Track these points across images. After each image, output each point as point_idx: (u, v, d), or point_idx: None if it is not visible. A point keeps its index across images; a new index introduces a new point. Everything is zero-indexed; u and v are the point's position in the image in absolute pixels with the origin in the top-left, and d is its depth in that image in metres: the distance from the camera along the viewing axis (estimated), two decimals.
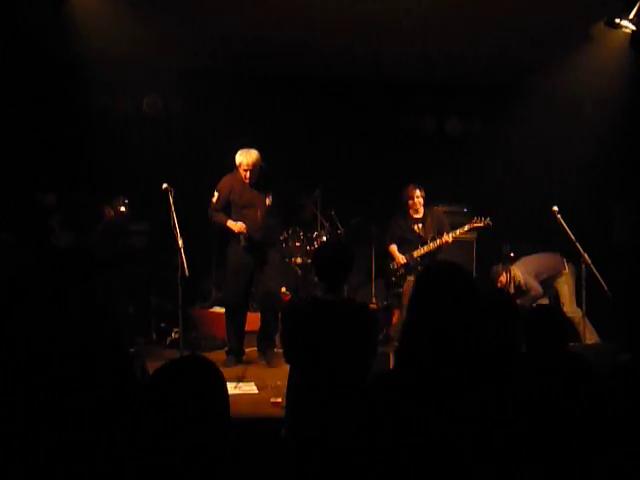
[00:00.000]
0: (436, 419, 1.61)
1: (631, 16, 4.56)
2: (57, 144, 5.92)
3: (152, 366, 4.32)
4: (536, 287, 5.75)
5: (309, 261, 5.92)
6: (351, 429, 1.74)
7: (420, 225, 5.74)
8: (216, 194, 5.12)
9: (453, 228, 5.70)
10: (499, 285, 5.74)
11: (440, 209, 6.23)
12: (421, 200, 5.70)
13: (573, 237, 5.52)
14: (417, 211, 5.74)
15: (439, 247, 5.61)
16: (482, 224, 5.68)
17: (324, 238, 6.04)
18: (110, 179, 5.73)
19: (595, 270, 5.34)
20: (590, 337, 5.57)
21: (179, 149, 6.19)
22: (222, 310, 6.05)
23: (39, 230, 5.52)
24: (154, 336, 5.80)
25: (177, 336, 5.17)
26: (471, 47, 5.54)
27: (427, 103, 6.83)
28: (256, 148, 6.07)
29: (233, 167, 5.08)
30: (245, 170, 4.99)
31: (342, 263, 3.01)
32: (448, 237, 5.57)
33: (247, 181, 5.03)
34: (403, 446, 1.61)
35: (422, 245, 5.66)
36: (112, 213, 5.58)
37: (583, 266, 5.55)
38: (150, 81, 6.27)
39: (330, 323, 2.90)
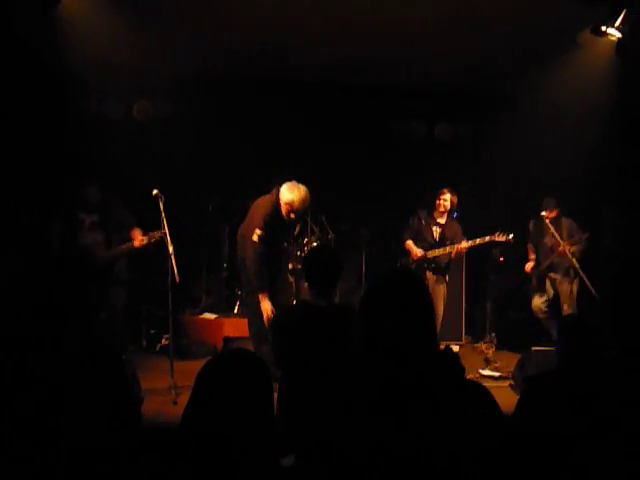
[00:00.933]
0: (400, 422, 1.65)
1: (617, 24, 4.60)
2: (46, 149, 5.89)
3: (142, 373, 4.35)
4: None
5: (299, 267, 5.93)
6: (341, 432, 1.75)
7: (439, 230, 5.78)
8: (259, 232, 4.38)
9: None
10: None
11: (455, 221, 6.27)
12: (447, 204, 5.73)
13: (561, 242, 5.58)
14: (441, 214, 5.79)
15: (453, 253, 5.63)
16: (503, 239, 5.56)
17: (314, 244, 6.05)
18: (100, 185, 5.70)
19: (583, 274, 5.40)
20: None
21: (170, 155, 6.18)
22: (212, 316, 6.06)
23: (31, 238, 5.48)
24: (144, 343, 5.78)
25: (167, 342, 5.16)
26: (460, 54, 5.57)
27: (417, 108, 6.87)
28: (246, 152, 6.08)
29: (274, 193, 4.53)
30: (291, 211, 4.43)
31: (331, 268, 3.02)
32: (463, 245, 5.60)
33: (289, 220, 4.53)
34: (378, 454, 1.64)
35: (438, 247, 5.70)
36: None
37: (572, 271, 5.62)
38: (140, 86, 6.27)
39: (320, 328, 2.91)
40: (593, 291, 5.28)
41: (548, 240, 5.84)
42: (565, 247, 5.56)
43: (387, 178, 6.54)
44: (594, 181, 6.34)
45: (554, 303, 5.90)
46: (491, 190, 6.67)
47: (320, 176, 6.10)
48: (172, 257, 4.67)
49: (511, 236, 5.56)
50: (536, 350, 4.60)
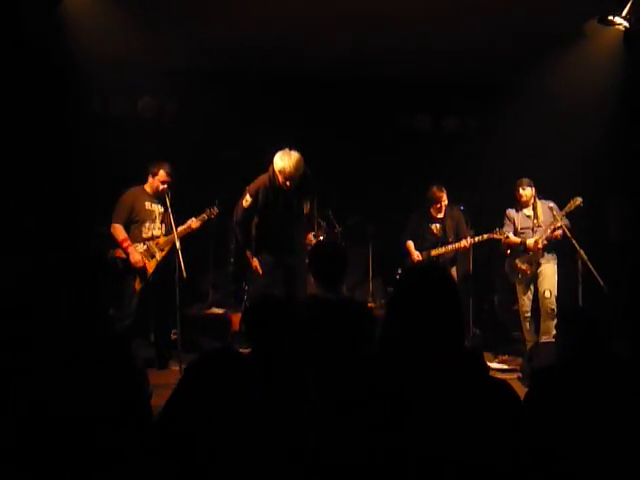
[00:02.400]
0: (417, 419, 1.63)
1: (624, 13, 4.58)
2: (50, 146, 5.90)
3: (150, 367, 4.36)
4: None
5: (306, 261, 5.92)
6: (349, 428, 1.74)
7: (439, 225, 5.79)
8: (249, 198, 4.60)
9: None
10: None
11: (458, 208, 6.24)
12: (446, 202, 5.77)
13: (569, 233, 5.54)
14: (439, 211, 5.80)
15: (457, 250, 5.68)
16: (502, 237, 5.64)
17: (321, 238, 6.04)
18: (105, 181, 5.71)
19: (591, 265, 5.36)
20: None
21: (174, 150, 6.18)
22: (220, 311, 6.07)
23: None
24: (152, 337, 5.79)
25: (175, 337, 5.17)
26: (466, 45, 5.56)
27: (423, 101, 6.84)
28: (251, 148, 6.07)
29: (270, 168, 4.60)
30: (285, 178, 4.48)
31: (337, 262, 3.02)
32: (467, 242, 5.62)
33: (286, 189, 4.56)
34: (390, 445, 1.63)
35: (441, 245, 5.69)
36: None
37: (579, 262, 5.57)
38: (145, 82, 6.27)
39: (330, 322, 2.90)
40: (601, 282, 5.24)
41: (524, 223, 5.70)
42: (559, 223, 5.42)
43: (393, 172, 6.52)
44: (600, 171, 6.30)
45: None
46: (496, 182, 6.63)
47: (326, 170, 6.09)
48: (179, 252, 4.69)
49: (507, 234, 5.60)
50: (544, 342, 4.59)
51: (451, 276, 1.90)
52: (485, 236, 5.69)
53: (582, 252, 5.44)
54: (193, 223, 5.10)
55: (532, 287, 5.69)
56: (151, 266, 5.05)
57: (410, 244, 5.82)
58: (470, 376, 1.69)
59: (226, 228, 6.42)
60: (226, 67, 6.25)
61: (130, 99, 6.53)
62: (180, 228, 5.03)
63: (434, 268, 1.95)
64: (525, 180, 5.67)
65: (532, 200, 5.63)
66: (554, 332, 5.42)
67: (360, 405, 1.73)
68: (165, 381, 4.37)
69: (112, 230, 5.01)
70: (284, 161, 4.48)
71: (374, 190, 6.47)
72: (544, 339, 5.39)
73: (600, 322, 2.48)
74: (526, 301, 5.69)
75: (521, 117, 6.21)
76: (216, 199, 6.33)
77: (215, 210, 5.15)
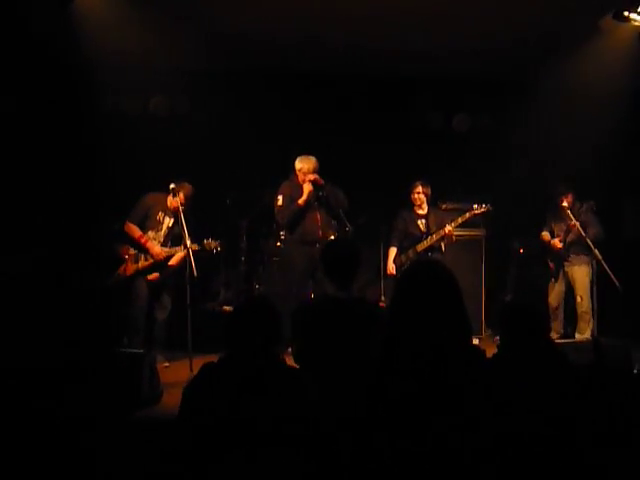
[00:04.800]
0: (423, 416, 1.63)
1: None
2: (63, 146, 5.93)
3: (162, 365, 4.37)
4: None
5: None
6: (359, 426, 1.74)
7: (424, 221, 5.80)
8: (280, 197, 5.32)
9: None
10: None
11: (446, 207, 6.33)
12: (422, 197, 5.79)
13: (583, 232, 5.49)
14: (420, 207, 5.83)
15: (442, 239, 5.66)
16: (483, 210, 5.68)
17: (332, 237, 6.02)
18: (117, 180, 5.73)
19: (605, 265, 5.30)
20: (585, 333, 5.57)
21: (187, 149, 6.19)
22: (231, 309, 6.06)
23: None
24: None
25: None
26: (478, 42, 5.51)
27: (434, 99, 6.80)
28: (263, 147, 6.13)
29: (291, 172, 5.34)
30: (305, 174, 5.24)
31: (350, 261, 3.00)
32: (450, 227, 5.59)
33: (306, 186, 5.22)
34: (397, 442, 1.62)
35: (425, 239, 5.70)
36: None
37: (594, 262, 5.53)
38: (157, 82, 6.28)
39: (342, 322, 2.88)
40: (617, 282, 5.18)
41: (563, 225, 5.73)
42: (577, 224, 5.45)
43: (405, 170, 6.47)
44: (615, 170, 6.23)
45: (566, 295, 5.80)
46: (512, 182, 6.57)
47: (337, 169, 6.08)
48: (190, 251, 4.69)
49: (488, 205, 5.64)
50: (577, 340, 4.57)
51: (451, 272, 1.88)
52: (467, 215, 5.66)
53: (597, 251, 5.39)
54: (179, 255, 5.12)
55: (560, 285, 5.76)
56: (130, 269, 5.16)
57: (391, 251, 5.87)
58: (474, 373, 1.68)
59: (238, 227, 6.44)
60: (237, 66, 6.24)
61: (142, 98, 6.54)
62: (175, 249, 5.15)
63: (435, 266, 1.94)
64: (564, 183, 5.69)
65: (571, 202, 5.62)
66: (588, 332, 5.46)
67: (364, 406, 1.73)
68: (175, 380, 4.38)
69: (126, 228, 5.17)
70: (302, 162, 5.31)
71: (385, 189, 6.43)
72: (577, 337, 5.49)
73: (536, 317, 2.47)
74: (553, 297, 5.79)
75: (534, 114, 6.16)
76: (227, 199, 6.37)
77: (214, 244, 5.07)
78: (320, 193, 5.29)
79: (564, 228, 5.71)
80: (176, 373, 4.71)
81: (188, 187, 5.19)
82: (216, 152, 6.24)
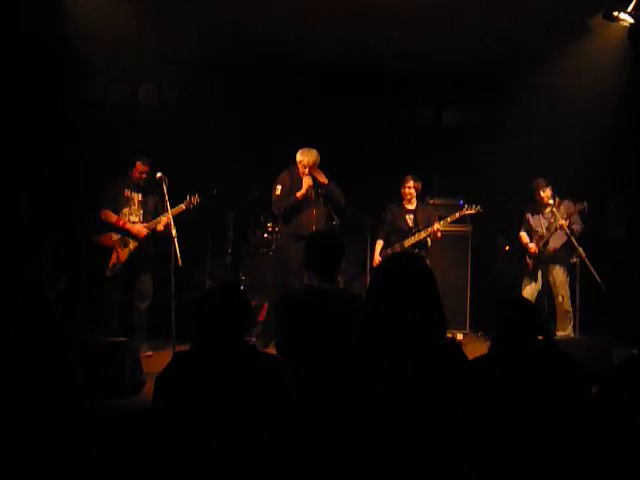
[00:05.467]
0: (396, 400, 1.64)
1: (629, 9, 4.54)
2: (51, 133, 5.88)
3: (145, 354, 4.36)
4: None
5: None
6: (341, 417, 1.74)
7: (412, 216, 5.81)
8: (279, 187, 5.31)
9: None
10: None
11: (434, 203, 6.34)
12: (412, 191, 5.79)
13: (568, 231, 5.53)
14: (409, 202, 5.84)
15: (429, 236, 5.68)
16: (473, 211, 5.74)
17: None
18: (105, 167, 5.69)
19: (589, 264, 5.35)
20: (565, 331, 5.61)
21: (175, 138, 6.16)
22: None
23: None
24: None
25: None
26: (468, 38, 5.52)
27: (424, 95, 6.81)
28: (251, 138, 6.11)
29: (291, 164, 5.32)
30: (305, 167, 5.21)
31: (333, 253, 3.00)
32: (439, 225, 5.61)
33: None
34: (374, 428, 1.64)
35: (413, 234, 5.71)
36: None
37: (577, 260, 5.57)
38: (146, 69, 6.24)
39: (324, 313, 2.88)
40: (600, 281, 5.23)
41: (542, 218, 5.73)
42: (563, 222, 5.46)
43: (393, 165, 6.48)
44: (602, 169, 6.27)
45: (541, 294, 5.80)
46: (500, 178, 6.60)
47: (325, 163, 6.07)
48: (175, 240, 4.67)
49: (479, 207, 5.69)
50: (558, 338, 4.60)
51: (428, 266, 1.89)
52: (457, 214, 5.69)
53: (581, 250, 5.43)
54: (162, 220, 5.15)
55: (535, 283, 5.77)
56: (124, 255, 5.22)
57: (378, 244, 5.88)
58: (447, 365, 1.69)
59: (225, 217, 6.42)
60: (227, 55, 6.21)
61: (131, 86, 6.50)
62: (158, 219, 5.21)
63: (410, 258, 1.95)
64: (543, 180, 5.68)
65: (550, 201, 5.63)
66: (569, 330, 5.49)
67: (339, 398, 1.73)
68: (159, 369, 4.37)
69: (103, 216, 5.26)
70: (304, 155, 5.27)
71: (373, 183, 6.44)
72: (559, 335, 5.51)
73: (531, 314, 2.47)
74: (526, 293, 5.75)
75: (522, 111, 6.18)
76: (214, 189, 6.34)
77: (196, 198, 5.16)
78: (320, 190, 5.28)
79: (542, 223, 5.69)
80: (160, 363, 4.67)
81: (140, 157, 5.29)
82: (204, 142, 6.21)
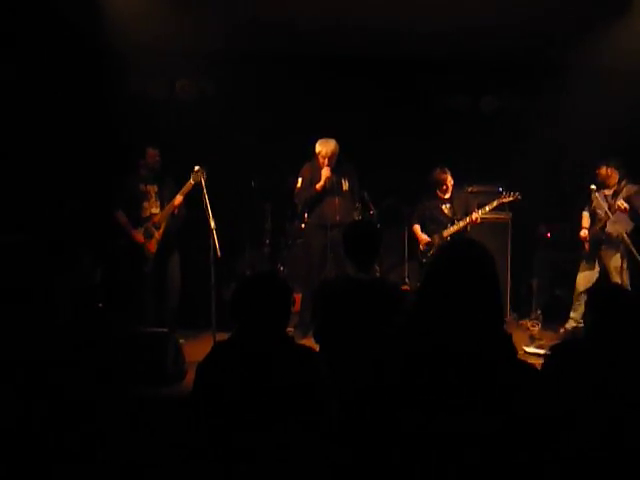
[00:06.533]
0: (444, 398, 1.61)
1: None
2: (91, 129, 6.00)
3: (186, 345, 4.46)
4: None
5: None
6: (377, 407, 1.74)
7: (448, 205, 5.75)
8: (300, 179, 5.44)
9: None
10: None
11: (469, 189, 6.26)
12: (452, 182, 5.72)
13: (611, 215, 5.39)
14: (446, 192, 5.76)
15: (468, 225, 5.61)
16: (511, 198, 5.62)
17: (356, 219, 6.03)
18: (132, 160, 5.79)
19: (634, 250, 5.21)
20: None
21: (213, 132, 6.23)
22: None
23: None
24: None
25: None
26: (505, 21, 5.40)
27: (461, 81, 6.71)
28: (288, 129, 6.13)
29: (312, 155, 5.41)
30: (324, 158, 5.29)
31: (370, 242, 3.01)
32: (477, 214, 5.54)
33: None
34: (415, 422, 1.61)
35: (451, 225, 5.65)
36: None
37: (621, 246, 5.42)
38: (183, 65, 6.31)
39: (361, 302, 2.90)
40: None
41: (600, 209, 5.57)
42: (620, 203, 5.25)
43: (431, 153, 6.42)
44: None
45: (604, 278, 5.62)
46: (540, 165, 6.47)
47: (363, 152, 6.07)
48: (214, 232, 4.74)
49: (517, 193, 5.57)
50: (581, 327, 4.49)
51: (490, 253, 1.79)
52: (495, 203, 5.59)
53: (626, 237, 5.29)
54: (177, 198, 5.27)
55: (592, 269, 5.59)
56: (153, 245, 5.39)
57: (417, 227, 5.83)
58: (499, 359, 1.65)
59: (263, 208, 6.47)
60: (262, 49, 6.23)
61: (168, 81, 6.59)
62: (167, 206, 5.35)
63: (472, 244, 1.82)
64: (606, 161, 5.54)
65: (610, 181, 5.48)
66: None
67: (382, 380, 1.71)
68: (200, 358, 4.46)
69: (116, 218, 5.43)
70: (322, 145, 5.34)
71: (410, 171, 6.38)
72: None
73: (629, 302, 2.40)
74: (581, 279, 5.61)
75: (562, 95, 6.03)
76: (252, 182, 6.40)
77: (201, 170, 5.00)
78: (343, 180, 5.36)
79: (604, 205, 5.44)
80: (201, 351, 4.77)
81: (149, 145, 5.46)
82: (241, 135, 6.26)
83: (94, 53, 5.84)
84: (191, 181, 5.09)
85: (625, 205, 5.28)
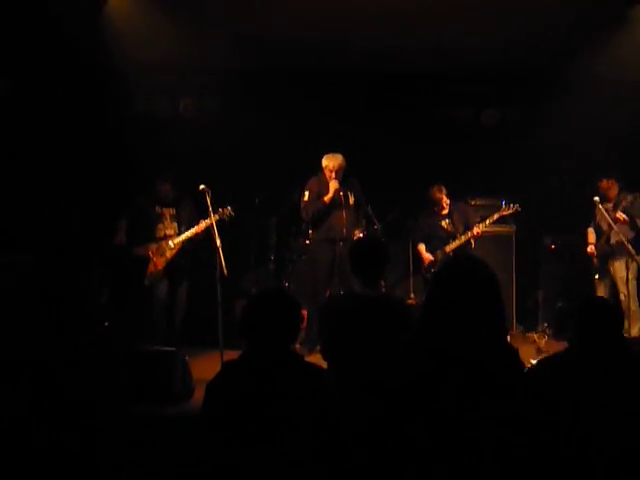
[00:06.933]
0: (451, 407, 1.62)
1: None
2: (94, 149, 6.05)
3: (193, 364, 4.45)
4: None
5: None
6: (387, 423, 1.74)
7: (447, 221, 5.80)
8: (307, 193, 5.46)
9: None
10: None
11: (475, 204, 6.31)
12: (447, 200, 5.79)
13: (615, 227, 5.39)
14: (444, 208, 5.83)
15: (469, 239, 5.64)
16: (511, 211, 5.67)
17: (360, 235, 6.03)
18: (148, 182, 5.83)
19: (634, 253, 5.21)
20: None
21: (216, 150, 6.27)
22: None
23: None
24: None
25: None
26: (506, 33, 5.44)
27: (462, 93, 6.75)
28: (291, 146, 6.17)
29: (317, 170, 5.47)
30: (331, 172, 5.35)
31: (377, 258, 3.02)
32: (478, 228, 5.57)
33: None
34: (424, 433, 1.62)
35: (452, 240, 5.67)
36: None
37: (625, 255, 5.41)
38: (186, 83, 6.37)
39: (368, 318, 2.90)
40: None
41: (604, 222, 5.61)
42: (619, 215, 5.33)
43: (434, 167, 6.45)
44: None
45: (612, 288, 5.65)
46: (543, 177, 6.48)
47: (366, 166, 6.09)
48: (220, 250, 4.75)
49: (517, 205, 5.61)
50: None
51: (491, 269, 1.84)
52: (495, 216, 5.64)
53: (630, 247, 5.30)
54: (201, 226, 5.29)
55: (605, 280, 5.64)
56: (160, 263, 5.46)
57: (421, 247, 5.89)
58: (505, 371, 1.66)
59: (267, 225, 6.49)
60: (266, 65, 6.28)
61: (172, 100, 6.64)
62: (192, 230, 5.37)
63: (474, 261, 1.88)
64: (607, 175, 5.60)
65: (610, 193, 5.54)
66: (637, 330, 5.36)
67: (390, 392, 1.72)
68: (208, 376, 4.45)
69: (117, 226, 5.57)
70: (329, 160, 5.41)
71: (413, 185, 6.41)
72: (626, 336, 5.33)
73: (611, 314, 2.40)
74: (600, 292, 5.64)
75: (563, 107, 6.05)
76: (256, 198, 6.42)
77: (228, 210, 5.22)
78: (349, 193, 5.41)
79: (607, 217, 5.47)
80: (208, 369, 4.77)
81: (162, 175, 5.58)
82: (244, 152, 6.30)
83: (98, 72, 5.89)
84: (216, 216, 5.06)
85: (624, 216, 5.36)
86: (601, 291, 5.66)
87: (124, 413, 3.51)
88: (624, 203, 5.46)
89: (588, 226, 5.82)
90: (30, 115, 5.61)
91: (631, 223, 5.40)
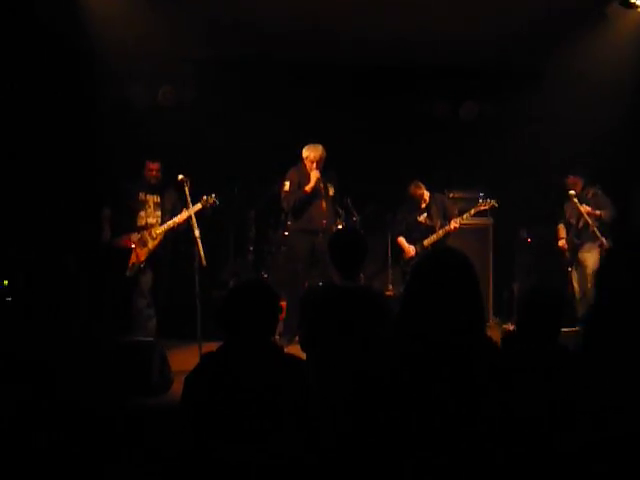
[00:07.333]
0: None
1: None
2: (71, 136, 5.95)
3: (171, 355, 4.43)
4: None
5: None
6: (369, 413, 1.76)
7: (425, 214, 5.84)
8: (287, 183, 5.44)
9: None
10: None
11: (454, 196, 6.35)
12: (426, 195, 5.85)
13: (590, 221, 5.49)
14: (423, 202, 5.90)
15: (448, 233, 5.71)
16: (488, 206, 5.77)
17: (340, 226, 6.05)
18: (126, 170, 5.76)
19: (605, 242, 5.32)
20: None
21: (195, 139, 6.22)
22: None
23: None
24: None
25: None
26: (484, 29, 5.49)
27: (441, 88, 6.78)
28: (270, 136, 6.15)
29: (297, 160, 5.46)
30: (312, 162, 5.35)
31: (357, 250, 3.03)
32: (455, 223, 5.64)
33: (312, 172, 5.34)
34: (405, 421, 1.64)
35: (431, 233, 5.73)
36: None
37: (600, 249, 5.53)
38: (165, 72, 6.29)
39: (347, 310, 2.91)
40: None
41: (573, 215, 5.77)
42: (588, 210, 5.49)
43: (412, 160, 6.48)
44: (623, 158, 6.20)
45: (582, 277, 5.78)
46: (520, 171, 6.55)
47: (345, 159, 6.09)
48: (198, 241, 4.73)
49: (494, 201, 5.72)
50: (562, 331, 4.53)
51: (470, 261, 1.87)
52: (472, 211, 5.73)
53: (604, 240, 5.39)
54: (183, 216, 5.18)
55: (577, 272, 5.77)
56: (143, 253, 5.33)
57: (401, 240, 5.95)
58: (482, 363, 1.69)
59: (246, 216, 6.47)
60: (245, 54, 6.24)
61: (150, 87, 6.56)
62: (174, 219, 5.26)
63: (453, 253, 1.92)
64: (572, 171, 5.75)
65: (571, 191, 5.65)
66: None
67: (370, 382, 1.74)
68: (186, 367, 4.44)
69: (102, 214, 5.47)
70: (310, 150, 5.40)
71: (392, 178, 6.43)
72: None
73: (554, 304, 2.46)
74: (574, 284, 5.79)
75: (541, 102, 6.14)
76: (234, 189, 6.38)
77: (213, 198, 5.15)
78: (329, 184, 5.40)
79: (574, 213, 5.74)
80: (186, 361, 4.76)
81: (150, 160, 5.44)
82: (223, 141, 6.26)
83: (76, 59, 5.78)
84: (199, 205, 5.06)
85: (588, 209, 5.53)
86: (575, 281, 5.81)
87: (104, 405, 3.48)
88: (588, 197, 5.66)
89: (558, 223, 5.99)
90: (1, 101, 5.49)
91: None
